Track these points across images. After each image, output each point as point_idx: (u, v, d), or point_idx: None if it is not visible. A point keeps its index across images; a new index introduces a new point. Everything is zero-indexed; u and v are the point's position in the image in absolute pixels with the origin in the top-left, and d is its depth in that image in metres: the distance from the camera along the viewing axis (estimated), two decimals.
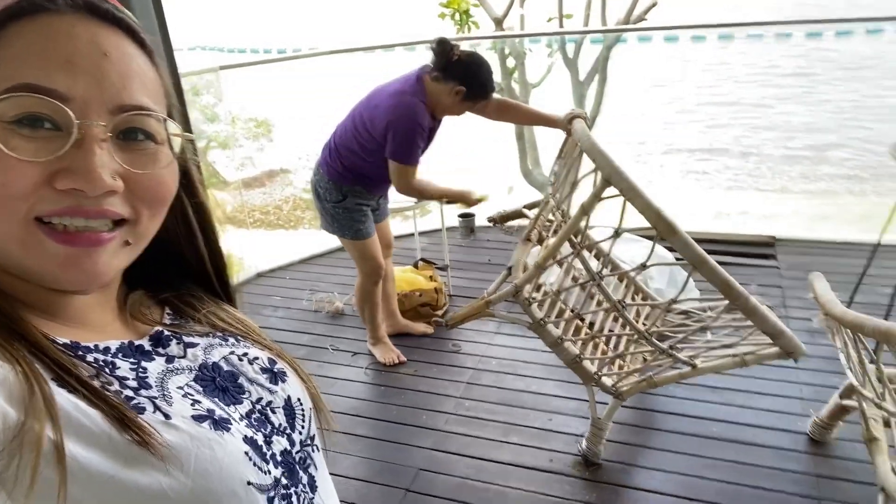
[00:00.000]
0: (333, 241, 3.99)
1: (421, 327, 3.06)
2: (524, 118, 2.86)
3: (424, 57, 2.46)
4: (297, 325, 3.25)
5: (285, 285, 3.67)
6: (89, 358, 0.51)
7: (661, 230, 1.71)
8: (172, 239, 0.62)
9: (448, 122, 2.55)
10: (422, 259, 3.36)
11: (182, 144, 0.56)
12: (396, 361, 2.84)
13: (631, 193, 1.72)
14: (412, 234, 3.62)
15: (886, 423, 1.80)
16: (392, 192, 2.76)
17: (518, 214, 2.53)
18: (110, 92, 0.49)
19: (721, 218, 5.40)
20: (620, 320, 2.03)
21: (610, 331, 2.33)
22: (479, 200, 2.64)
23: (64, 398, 0.45)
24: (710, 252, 1.79)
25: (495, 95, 2.50)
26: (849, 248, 3.54)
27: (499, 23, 5.37)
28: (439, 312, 3.15)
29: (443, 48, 2.35)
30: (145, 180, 0.51)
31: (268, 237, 5.79)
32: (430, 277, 3.22)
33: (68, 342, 0.51)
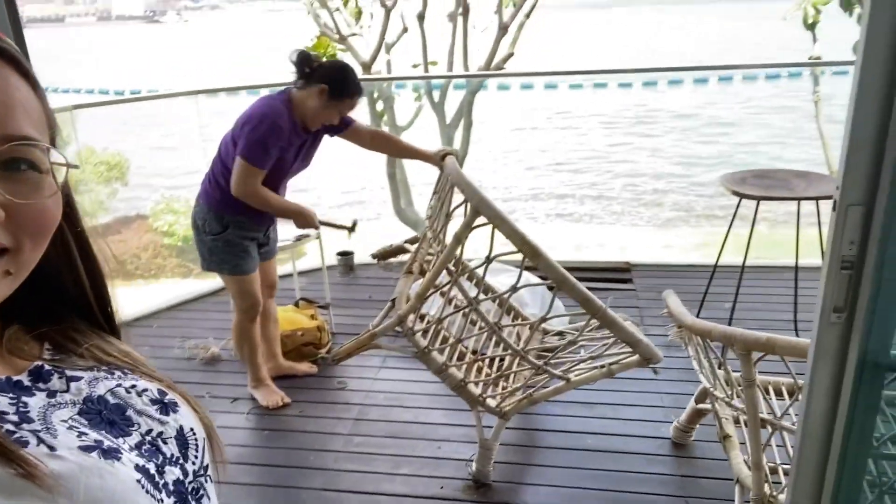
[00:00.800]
0: (204, 285, 3.86)
1: (304, 367, 3.00)
2: (398, 151, 2.96)
3: None
4: (170, 374, 3.02)
5: (153, 334, 3.46)
6: None
7: (527, 253, 1.85)
8: (52, 269, 0.61)
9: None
10: (302, 298, 3.32)
11: (66, 174, 0.56)
12: (280, 403, 2.75)
13: (497, 221, 1.86)
14: (291, 275, 3.57)
15: (737, 421, 2.02)
16: (280, 230, 2.74)
17: (400, 250, 2.60)
18: None
19: (582, 249, 5.83)
20: (502, 343, 2.13)
21: (491, 353, 2.43)
22: (314, 225, 2.57)
23: None
24: (575, 278, 1.95)
25: (371, 126, 2.57)
26: (693, 270, 3.95)
27: (366, 67, 5.51)
28: (322, 351, 3.11)
29: (301, 58, 2.39)
30: (28, 210, 0.51)
31: (125, 289, 5.41)
32: (312, 316, 3.18)
33: None
